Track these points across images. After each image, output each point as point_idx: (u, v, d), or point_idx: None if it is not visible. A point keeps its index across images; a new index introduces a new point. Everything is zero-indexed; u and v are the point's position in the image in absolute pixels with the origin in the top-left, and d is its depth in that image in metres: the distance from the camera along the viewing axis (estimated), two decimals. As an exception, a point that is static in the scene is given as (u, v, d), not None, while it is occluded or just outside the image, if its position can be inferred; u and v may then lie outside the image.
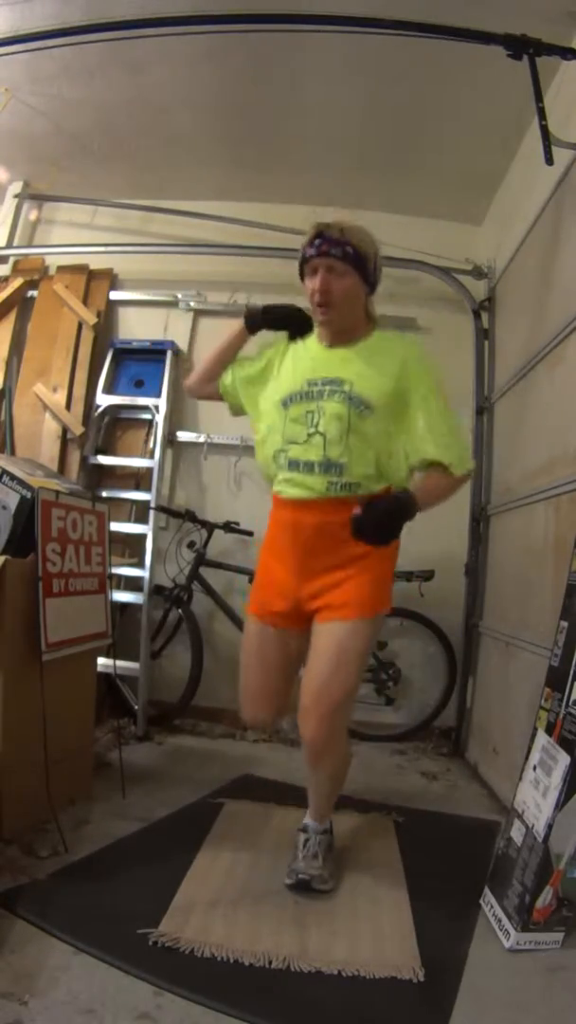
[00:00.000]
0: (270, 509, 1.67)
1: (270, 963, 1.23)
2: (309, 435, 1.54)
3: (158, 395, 3.04)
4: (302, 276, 1.61)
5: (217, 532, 2.85)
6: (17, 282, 3.20)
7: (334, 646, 1.50)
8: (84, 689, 2.03)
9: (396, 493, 1.49)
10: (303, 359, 1.63)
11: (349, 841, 1.77)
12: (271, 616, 1.62)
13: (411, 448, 1.53)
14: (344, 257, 1.52)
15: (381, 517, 1.44)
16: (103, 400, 3.04)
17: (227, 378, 1.73)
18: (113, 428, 3.15)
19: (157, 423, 3.01)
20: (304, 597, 1.57)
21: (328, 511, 1.52)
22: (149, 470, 2.98)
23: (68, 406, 3.01)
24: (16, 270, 3.29)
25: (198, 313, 3.26)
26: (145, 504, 2.94)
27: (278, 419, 1.59)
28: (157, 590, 2.82)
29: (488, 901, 1.46)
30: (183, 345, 3.21)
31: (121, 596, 2.79)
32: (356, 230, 1.54)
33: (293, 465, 1.55)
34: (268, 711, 1.67)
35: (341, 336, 1.60)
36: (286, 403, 1.58)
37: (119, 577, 2.81)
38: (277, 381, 1.65)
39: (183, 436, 3.13)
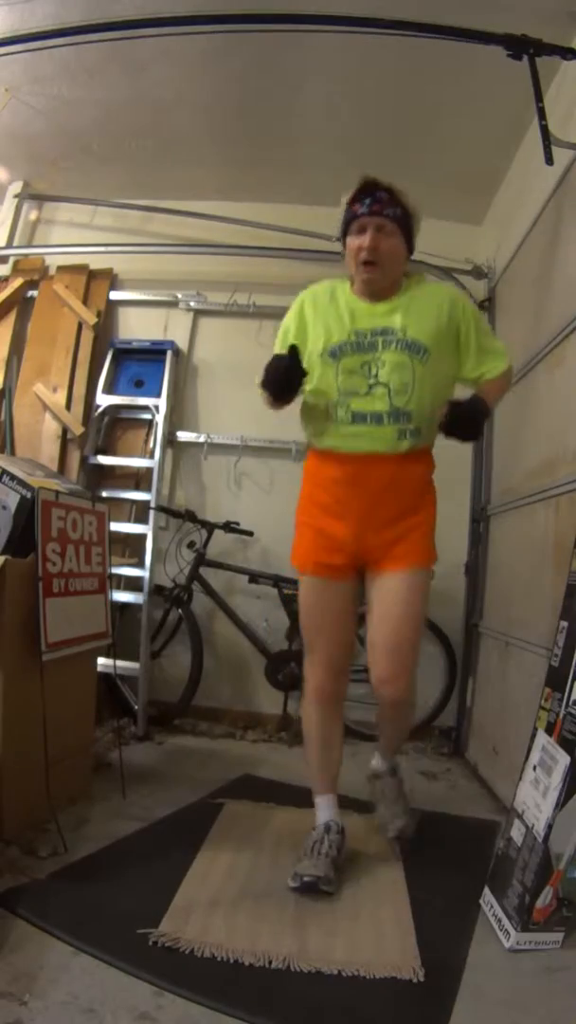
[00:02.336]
0: (306, 468, 1.70)
1: (270, 963, 1.23)
2: (371, 386, 1.56)
3: (158, 395, 3.04)
4: (345, 233, 1.62)
5: (217, 532, 2.85)
6: (17, 282, 3.20)
7: (404, 593, 1.59)
8: (84, 689, 2.03)
9: (472, 397, 1.56)
10: (342, 311, 1.62)
11: (349, 841, 1.76)
12: (329, 570, 1.66)
13: (482, 371, 1.64)
14: (395, 218, 1.56)
15: (470, 413, 1.53)
16: (103, 400, 3.04)
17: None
18: (113, 428, 3.15)
19: (157, 423, 3.01)
20: (366, 549, 1.62)
21: (393, 464, 1.58)
22: (149, 470, 2.98)
23: (68, 406, 3.01)
24: (16, 270, 3.29)
25: (198, 313, 3.26)
26: (145, 504, 2.94)
27: (328, 371, 1.59)
28: (157, 590, 2.82)
29: (488, 901, 1.46)
30: (183, 345, 3.21)
31: (121, 596, 2.79)
32: (404, 193, 1.58)
33: (359, 417, 1.57)
34: (342, 662, 1.71)
35: (381, 293, 1.62)
36: (335, 354, 1.58)
37: (119, 577, 2.81)
38: (316, 331, 1.63)
39: (183, 436, 3.13)
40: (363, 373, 1.57)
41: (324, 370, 1.59)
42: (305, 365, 1.55)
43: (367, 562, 1.65)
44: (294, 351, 1.50)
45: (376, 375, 1.56)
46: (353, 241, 1.59)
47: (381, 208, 1.55)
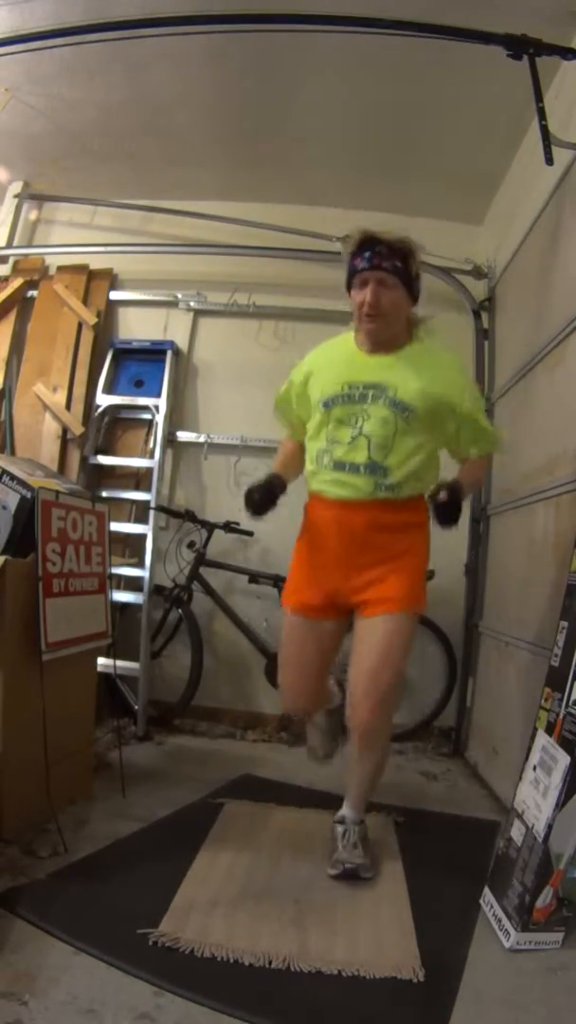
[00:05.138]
0: (305, 505, 1.75)
1: (270, 963, 1.23)
2: (354, 437, 1.61)
3: (158, 395, 3.04)
4: (349, 287, 1.65)
5: (217, 532, 2.85)
6: (17, 282, 3.20)
7: (383, 638, 1.60)
8: (84, 689, 2.02)
9: (454, 483, 1.58)
10: (341, 363, 1.68)
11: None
12: (310, 609, 1.69)
13: (471, 445, 1.69)
14: (395, 271, 1.58)
15: (457, 503, 1.55)
16: (103, 400, 3.04)
17: (291, 415, 1.82)
18: (113, 428, 3.15)
19: (157, 423, 3.01)
20: (347, 591, 1.65)
21: (374, 510, 1.61)
22: (149, 470, 2.98)
23: (68, 406, 3.01)
24: (16, 270, 3.29)
25: (198, 313, 3.26)
26: (145, 504, 2.94)
27: (321, 419, 1.66)
28: (157, 590, 2.82)
29: (488, 901, 1.46)
30: (183, 345, 3.21)
31: (121, 596, 2.79)
32: (405, 244, 1.59)
33: (339, 466, 1.62)
34: (308, 699, 1.76)
35: (383, 345, 1.65)
36: (328, 404, 1.64)
37: (119, 577, 2.81)
38: (316, 383, 1.69)
39: (183, 436, 3.13)
40: (349, 424, 1.62)
41: (319, 418, 1.67)
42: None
43: (352, 605, 1.68)
44: (268, 483, 1.64)
45: (360, 427, 1.61)
46: (356, 295, 1.62)
47: (381, 262, 1.57)
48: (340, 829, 1.65)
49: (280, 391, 1.82)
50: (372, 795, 1.72)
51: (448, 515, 1.53)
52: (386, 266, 1.57)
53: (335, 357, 1.71)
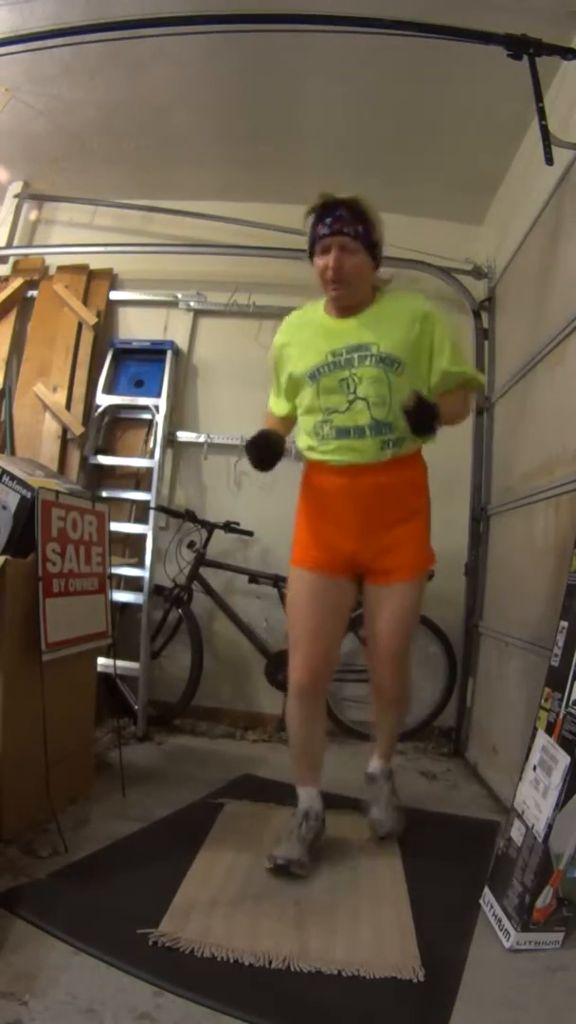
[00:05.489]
0: (304, 477, 1.76)
1: (270, 963, 1.23)
2: (350, 401, 1.62)
3: (158, 395, 3.04)
4: (311, 254, 1.66)
5: (217, 532, 2.85)
6: (17, 282, 3.20)
7: (398, 606, 1.69)
8: (84, 689, 2.03)
9: (418, 392, 1.55)
10: (317, 333, 1.69)
11: (349, 841, 1.77)
12: (324, 565, 1.70)
13: (439, 376, 1.66)
14: (356, 236, 1.59)
15: (426, 408, 1.51)
16: (103, 400, 3.04)
17: (285, 408, 1.81)
18: (113, 428, 3.15)
19: (157, 423, 3.01)
20: (361, 556, 1.69)
21: (380, 473, 1.63)
22: (149, 470, 2.98)
23: (68, 406, 3.01)
24: (16, 270, 3.29)
25: (198, 313, 3.26)
26: (145, 504, 2.94)
27: (311, 393, 1.67)
28: (157, 590, 2.82)
29: (488, 901, 1.46)
30: (183, 345, 3.21)
31: (121, 596, 2.79)
32: (365, 208, 1.60)
33: (343, 432, 1.63)
34: (324, 656, 1.73)
35: (350, 309, 1.67)
36: (314, 376, 1.65)
37: (119, 577, 2.81)
38: (297, 358, 1.70)
39: (183, 436, 3.13)
40: (342, 390, 1.63)
41: (308, 391, 1.68)
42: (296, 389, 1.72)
43: (362, 570, 1.72)
44: (264, 436, 1.61)
45: (355, 391, 1.62)
46: (319, 261, 1.63)
47: (342, 226, 1.58)
48: (373, 789, 1.83)
49: (271, 394, 1.85)
50: (396, 741, 1.94)
51: (417, 419, 1.50)
52: (348, 231, 1.58)
53: (308, 328, 1.72)
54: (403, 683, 1.79)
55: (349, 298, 1.65)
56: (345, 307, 1.67)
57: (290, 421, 1.82)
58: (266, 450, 1.61)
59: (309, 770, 1.74)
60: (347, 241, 1.58)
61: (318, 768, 1.76)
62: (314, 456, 1.70)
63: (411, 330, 1.63)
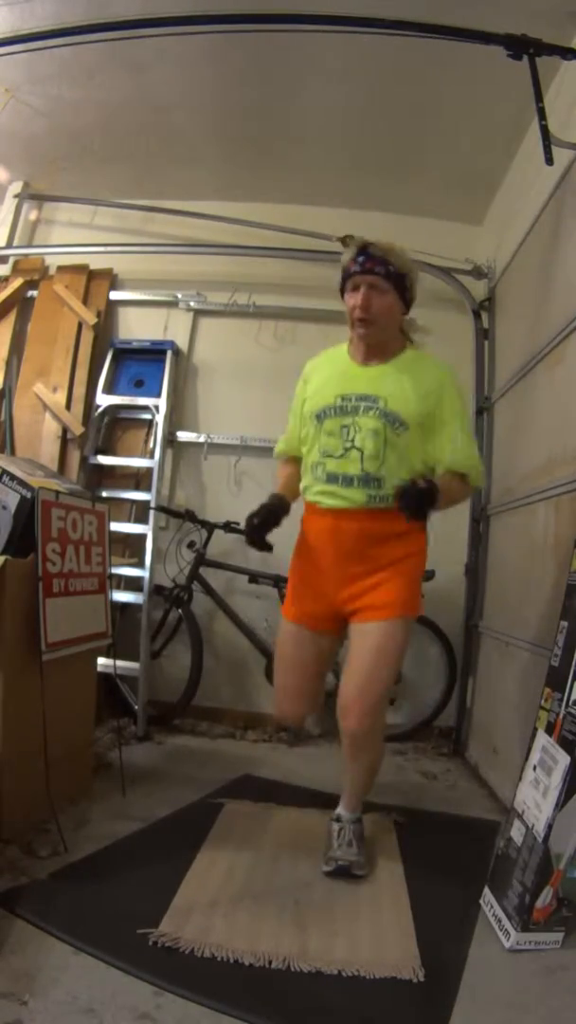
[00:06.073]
0: (302, 516, 1.75)
1: (270, 963, 1.23)
2: (346, 449, 1.61)
3: (158, 395, 3.04)
4: (343, 292, 1.66)
5: (217, 532, 2.85)
6: (17, 282, 3.20)
7: (375, 644, 1.59)
8: (84, 689, 2.02)
9: (427, 480, 1.53)
10: (333, 375, 1.69)
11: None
12: (307, 618, 1.70)
13: (439, 458, 1.62)
14: (387, 276, 1.58)
15: (421, 494, 1.49)
16: (103, 400, 3.04)
17: (296, 449, 1.79)
18: (113, 428, 3.15)
19: (157, 423, 3.01)
20: (342, 600, 1.65)
21: (366, 519, 1.60)
22: (149, 470, 2.98)
23: (68, 406, 3.01)
24: (16, 270, 3.29)
25: (198, 313, 3.26)
26: (145, 504, 2.94)
27: (314, 432, 1.67)
28: (157, 590, 2.82)
29: (488, 901, 1.46)
30: (183, 345, 3.21)
31: (121, 596, 2.79)
32: (398, 251, 1.60)
33: (332, 478, 1.63)
34: (301, 708, 1.76)
35: (375, 352, 1.66)
36: (320, 417, 1.65)
37: (119, 577, 2.81)
38: (312, 394, 1.70)
39: (183, 436, 3.13)
40: (341, 435, 1.63)
41: (312, 430, 1.68)
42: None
43: (346, 612, 1.67)
44: (270, 506, 1.65)
45: (352, 439, 1.61)
46: (348, 299, 1.63)
47: (373, 266, 1.58)
48: (335, 827, 1.66)
49: (287, 432, 1.81)
50: (367, 795, 1.73)
51: (408, 501, 1.48)
52: (379, 270, 1.57)
53: (328, 368, 1.72)
54: (372, 728, 1.61)
55: (375, 337, 1.63)
56: (370, 348, 1.65)
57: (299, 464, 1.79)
58: (267, 524, 1.63)
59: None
60: (377, 280, 1.58)
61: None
62: (308, 496, 1.70)
63: (426, 401, 1.60)
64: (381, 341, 1.65)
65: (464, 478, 1.64)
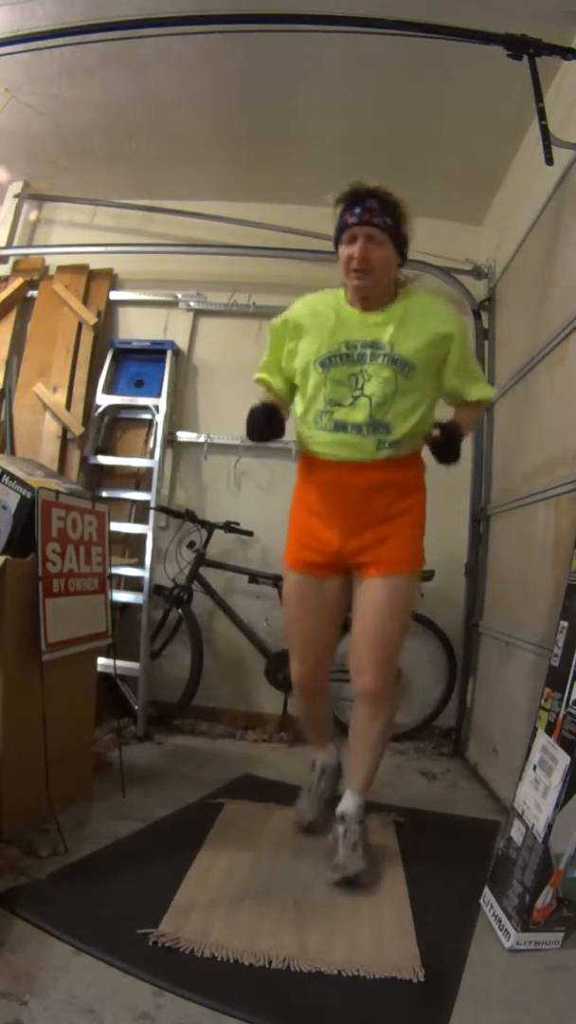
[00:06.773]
0: (300, 467, 1.75)
1: (270, 963, 1.23)
2: (355, 397, 1.60)
3: (158, 395, 3.04)
4: (337, 242, 1.64)
5: (217, 532, 2.85)
6: (17, 282, 3.20)
7: (385, 600, 1.61)
8: (84, 689, 2.02)
9: (452, 422, 1.61)
10: (336, 320, 1.66)
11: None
12: (312, 567, 1.70)
13: (464, 393, 1.70)
14: (384, 227, 1.58)
15: (456, 437, 1.59)
16: (103, 400, 3.04)
17: (278, 383, 1.75)
18: (113, 428, 3.15)
19: (157, 423, 3.01)
20: (349, 551, 1.66)
21: (375, 471, 1.61)
22: (149, 470, 2.98)
23: (68, 406, 3.01)
24: (16, 270, 3.29)
25: (198, 313, 3.26)
26: (145, 504, 2.94)
27: (318, 380, 1.64)
28: (157, 590, 2.82)
29: (488, 901, 1.46)
30: (183, 345, 3.21)
31: (121, 596, 2.79)
32: (396, 201, 1.60)
33: (340, 427, 1.61)
34: (317, 659, 1.76)
35: (372, 301, 1.65)
36: (325, 364, 1.63)
37: (119, 577, 2.81)
38: (309, 341, 1.67)
39: (183, 436, 3.13)
40: (349, 384, 1.61)
41: (315, 379, 1.64)
42: (299, 371, 1.67)
43: (352, 566, 1.69)
44: (267, 408, 1.60)
45: (361, 387, 1.60)
46: (344, 250, 1.62)
47: (371, 217, 1.57)
48: (340, 828, 1.61)
49: (264, 359, 1.77)
50: (376, 772, 1.68)
51: (445, 452, 1.57)
52: (376, 222, 1.57)
53: (325, 313, 1.68)
54: (385, 686, 1.62)
55: (372, 289, 1.62)
56: (367, 299, 1.64)
57: (287, 401, 1.75)
58: (268, 431, 1.60)
59: (318, 736, 1.88)
60: (375, 232, 1.57)
61: (327, 733, 1.89)
62: (310, 448, 1.68)
63: (430, 338, 1.62)
64: (377, 292, 1.64)
65: (479, 403, 1.74)
